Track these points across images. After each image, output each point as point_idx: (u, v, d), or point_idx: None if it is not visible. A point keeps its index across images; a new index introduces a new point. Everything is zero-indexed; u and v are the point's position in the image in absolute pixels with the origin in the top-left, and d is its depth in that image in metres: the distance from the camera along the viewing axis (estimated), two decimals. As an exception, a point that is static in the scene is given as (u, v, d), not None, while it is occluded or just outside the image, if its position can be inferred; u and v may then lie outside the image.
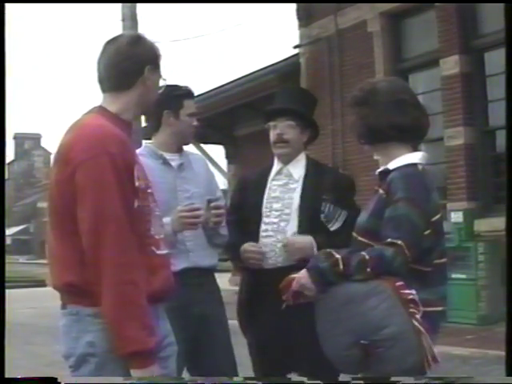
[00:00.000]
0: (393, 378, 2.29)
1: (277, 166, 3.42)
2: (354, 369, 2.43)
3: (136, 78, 2.34)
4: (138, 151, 3.40)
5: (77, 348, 2.19)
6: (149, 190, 2.31)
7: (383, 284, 2.35)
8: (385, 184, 2.53)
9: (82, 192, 2.15)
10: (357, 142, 2.77)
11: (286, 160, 3.38)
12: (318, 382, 2.49)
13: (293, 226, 3.25)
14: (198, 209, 3.10)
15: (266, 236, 3.28)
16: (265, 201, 3.34)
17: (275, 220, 3.29)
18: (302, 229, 3.23)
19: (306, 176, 3.34)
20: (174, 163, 3.26)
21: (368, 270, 2.36)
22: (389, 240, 2.39)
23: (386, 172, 2.58)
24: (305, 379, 2.76)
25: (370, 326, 2.32)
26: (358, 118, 2.68)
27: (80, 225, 2.15)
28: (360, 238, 2.53)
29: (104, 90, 2.38)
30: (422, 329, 2.34)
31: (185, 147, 3.38)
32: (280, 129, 3.35)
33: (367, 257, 2.37)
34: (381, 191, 2.54)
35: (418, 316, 2.35)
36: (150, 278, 2.23)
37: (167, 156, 3.27)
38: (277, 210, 3.30)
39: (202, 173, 3.35)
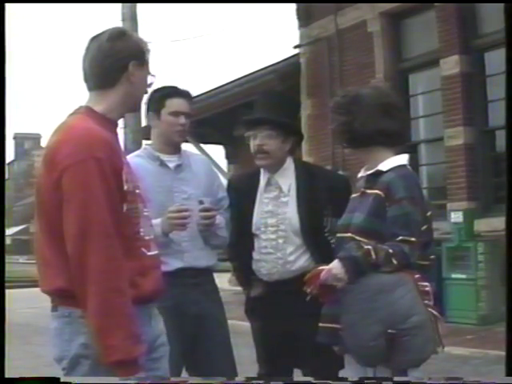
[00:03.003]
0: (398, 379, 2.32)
1: (264, 175, 3.30)
2: (377, 360, 2.47)
3: (120, 74, 2.28)
4: (136, 153, 3.40)
5: (70, 350, 2.16)
6: (137, 191, 2.27)
7: (406, 276, 2.47)
8: (379, 185, 2.59)
9: (68, 197, 2.10)
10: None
11: (271, 170, 3.28)
12: (324, 381, 2.49)
13: (291, 242, 3.20)
14: (185, 210, 3.06)
15: (267, 253, 3.22)
16: (259, 215, 3.26)
17: (272, 236, 3.22)
18: (307, 246, 3.18)
19: (299, 188, 3.23)
20: (171, 164, 3.23)
21: (394, 262, 2.44)
22: (401, 238, 2.47)
23: (377, 173, 2.63)
24: (311, 379, 2.76)
25: (399, 315, 2.41)
26: (341, 124, 2.70)
27: (65, 230, 2.10)
28: (358, 238, 2.56)
29: (90, 89, 2.33)
30: (438, 315, 2.49)
31: (187, 148, 3.36)
32: (260, 139, 3.20)
33: (391, 250, 2.45)
34: (377, 192, 2.58)
35: (431, 305, 2.48)
36: (142, 279, 2.21)
37: (164, 157, 3.23)
38: (272, 226, 3.22)
39: (202, 174, 3.29)
